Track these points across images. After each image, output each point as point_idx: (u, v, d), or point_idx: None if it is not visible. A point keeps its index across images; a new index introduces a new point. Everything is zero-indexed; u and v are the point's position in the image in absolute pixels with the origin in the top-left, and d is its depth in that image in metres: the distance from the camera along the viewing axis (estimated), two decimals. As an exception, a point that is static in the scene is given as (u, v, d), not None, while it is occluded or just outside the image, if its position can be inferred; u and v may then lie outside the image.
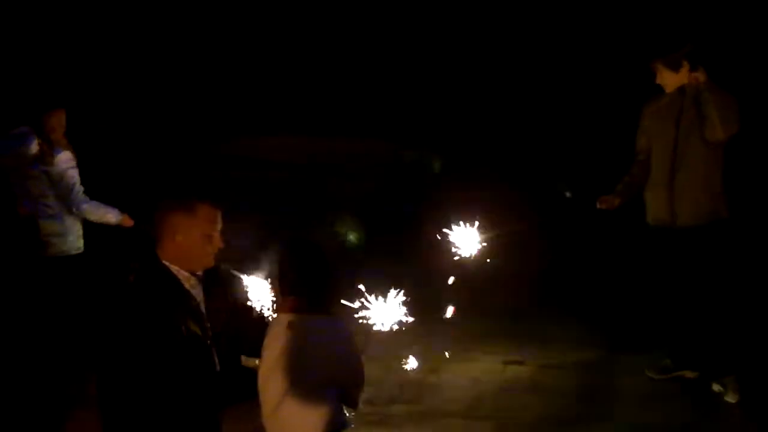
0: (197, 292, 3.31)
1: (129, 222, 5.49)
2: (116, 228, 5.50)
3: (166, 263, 3.25)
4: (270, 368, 3.18)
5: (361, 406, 3.52)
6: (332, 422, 3.20)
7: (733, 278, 5.23)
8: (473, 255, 4.08)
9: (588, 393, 5.23)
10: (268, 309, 4.33)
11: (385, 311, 3.78)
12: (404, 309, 3.79)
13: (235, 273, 4.13)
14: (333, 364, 3.19)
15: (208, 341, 3.27)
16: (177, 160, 10.39)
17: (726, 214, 5.07)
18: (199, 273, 3.32)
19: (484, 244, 4.04)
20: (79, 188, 5.36)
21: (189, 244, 3.25)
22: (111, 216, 5.44)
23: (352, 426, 3.45)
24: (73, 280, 5.31)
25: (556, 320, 6.52)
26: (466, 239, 4.06)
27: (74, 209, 5.33)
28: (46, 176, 5.24)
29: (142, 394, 3.10)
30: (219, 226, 3.36)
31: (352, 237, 8.37)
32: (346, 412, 3.33)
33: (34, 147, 5.17)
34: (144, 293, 3.17)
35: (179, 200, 3.30)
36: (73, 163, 5.35)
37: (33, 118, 5.24)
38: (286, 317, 3.24)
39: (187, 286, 3.27)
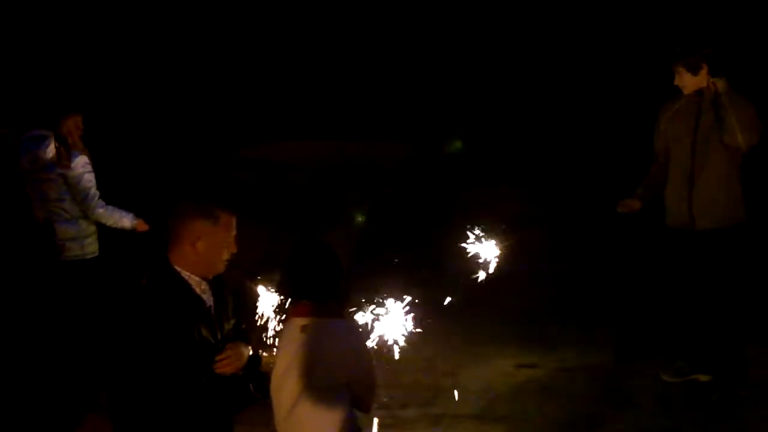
0: (208, 297, 3.34)
1: (144, 227, 5.49)
2: (131, 232, 5.51)
3: (177, 268, 3.28)
4: (283, 372, 3.21)
5: (374, 409, 3.55)
6: (345, 427, 3.22)
7: (749, 282, 5.20)
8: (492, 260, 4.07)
9: (601, 396, 5.21)
10: (272, 321, 4.38)
11: (391, 321, 3.82)
12: (409, 319, 3.80)
13: (246, 282, 4.18)
14: (346, 368, 3.20)
15: (219, 345, 3.30)
16: (195, 164, 10.43)
17: (744, 218, 5.05)
18: (209, 278, 3.35)
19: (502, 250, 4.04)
20: (95, 193, 5.35)
21: (209, 250, 3.27)
22: (126, 221, 5.44)
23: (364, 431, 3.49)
24: (88, 285, 5.31)
25: (570, 324, 6.52)
26: (485, 247, 4.07)
27: (90, 214, 5.33)
28: (63, 180, 5.24)
29: (154, 397, 3.12)
30: (234, 232, 3.39)
31: (367, 239, 8.40)
32: (358, 415, 3.36)
33: (51, 150, 5.19)
34: (155, 298, 3.19)
35: (201, 206, 3.31)
36: (90, 167, 5.35)
37: (50, 122, 5.26)
38: (299, 321, 3.26)
39: (198, 291, 3.30)
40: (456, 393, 5.24)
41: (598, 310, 6.70)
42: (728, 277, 5.02)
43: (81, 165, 5.29)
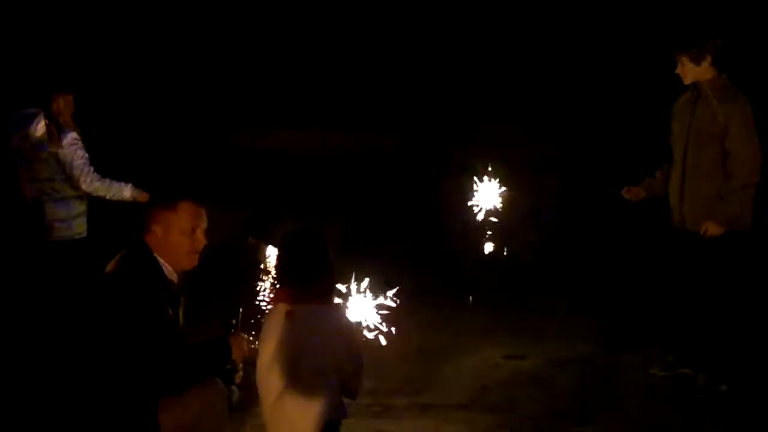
0: (175, 282, 3.51)
1: (145, 197, 5.21)
2: (116, 214, 5.44)
3: (155, 254, 3.43)
4: (270, 359, 3.18)
5: (361, 397, 3.53)
6: (333, 412, 3.20)
7: (743, 283, 5.19)
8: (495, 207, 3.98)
9: (589, 388, 5.21)
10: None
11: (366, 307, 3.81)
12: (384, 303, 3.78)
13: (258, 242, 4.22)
14: (333, 354, 3.19)
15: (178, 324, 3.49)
16: (178, 151, 10.38)
17: (748, 226, 4.97)
18: (177, 270, 3.49)
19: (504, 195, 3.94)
20: (90, 167, 5.29)
21: (167, 237, 3.42)
22: (126, 191, 5.34)
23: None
24: (74, 265, 5.27)
25: (559, 315, 6.52)
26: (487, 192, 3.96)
27: (87, 188, 5.25)
28: (54, 159, 5.19)
29: (128, 364, 3.24)
30: (203, 224, 3.50)
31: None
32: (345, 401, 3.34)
33: (42, 128, 5.14)
34: (130, 275, 3.35)
35: (162, 195, 3.52)
36: (81, 143, 5.29)
37: (40, 100, 5.22)
38: (284, 307, 3.24)
39: (166, 272, 3.45)
40: (444, 383, 5.27)
41: (589, 302, 6.70)
42: (721, 278, 4.99)
43: (71, 142, 5.22)
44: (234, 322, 3.54)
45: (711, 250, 4.94)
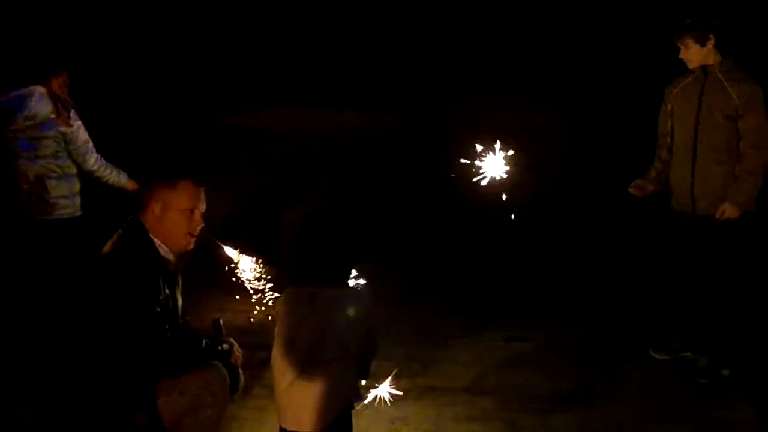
0: (172, 262, 3.53)
1: (134, 186, 5.40)
2: (104, 192, 5.56)
3: (151, 235, 3.44)
4: (288, 342, 3.14)
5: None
6: (348, 396, 3.17)
7: (748, 270, 5.16)
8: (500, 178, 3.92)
9: (590, 372, 5.20)
10: (252, 281, 4.34)
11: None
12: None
13: (219, 243, 4.22)
14: (349, 336, 3.15)
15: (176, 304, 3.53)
16: (177, 129, 10.32)
17: (753, 208, 4.94)
18: (174, 251, 3.50)
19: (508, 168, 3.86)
20: (93, 147, 5.37)
21: (166, 216, 3.43)
22: (123, 177, 5.51)
23: (365, 401, 3.45)
24: (75, 243, 5.29)
25: (561, 299, 6.50)
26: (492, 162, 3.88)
27: (91, 168, 5.35)
28: (62, 137, 5.21)
29: (122, 347, 3.26)
30: (201, 205, 3.52)
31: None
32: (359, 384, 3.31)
33: (49, 106, 5.14)
34: (125, 255, 3.35)
35: (163, 173, 3.50)
36: (80, 121, 5.33)
37: (39, 79, 5.21)
38: (301, 290, 3.20)
39: (162, 252, 3.46)
40: (445, 365, 5.26)
41: (591, 287, 6.68)
42: (728, 264, 4.96)
43: (76, 120, 5.27)
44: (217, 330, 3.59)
45: (724, 233, 4.91)
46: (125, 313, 3.27)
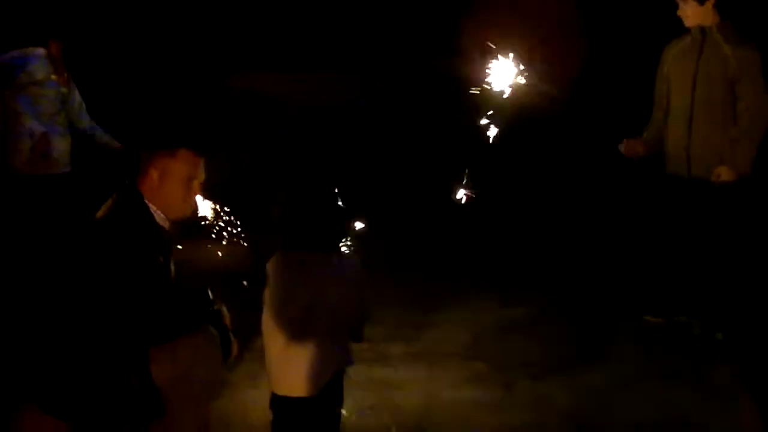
0: (167, 229, 3.45)
1: (119, 146, 5.66)
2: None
3: (146, 201, 3.37)
4: (279, 308, 3.12)
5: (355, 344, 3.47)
6: (340, 360, 3.15)
7: (746, 235, 5.13)
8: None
9: (585, 337, 5.19)
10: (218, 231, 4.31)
11: None
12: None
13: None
14: (344, 302, 3.12)
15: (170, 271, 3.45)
16: (178, 94, 10.22)
17: (748, 172, 4.89)
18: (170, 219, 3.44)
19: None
20: (85, 107, 5.61)
21: (165, 183, 3.37)
22: (109, 138, 5.68)
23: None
24: (72, 198, 5.43)
25: (555, 262, 6.48)
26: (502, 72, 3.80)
27: (85, 127, 5.58)
28: (61, 96, 5.40)
29: (113, 312, 3.19)
30: (200, 175, 3.46)
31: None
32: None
33: (49, 65, 5.33)
34: (119, 224, 3.29)
35: (164, 140, 3.43)
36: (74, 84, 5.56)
37: (37, 42, 5.36)
38: (292, 256, 3.17)
39: (158, 219, 3.39)
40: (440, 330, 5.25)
41: (586, 250, 6.66)
42: (724, 228, 4.93)
43: (71, 81, 5.52)
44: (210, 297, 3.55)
45: (720, 196, 4.87)
46: (119, 280, 3.22)
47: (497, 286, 6.02)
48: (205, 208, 4.33)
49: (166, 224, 3.46)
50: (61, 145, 5.45)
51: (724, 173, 4.80)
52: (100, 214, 3.40)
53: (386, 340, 5.01)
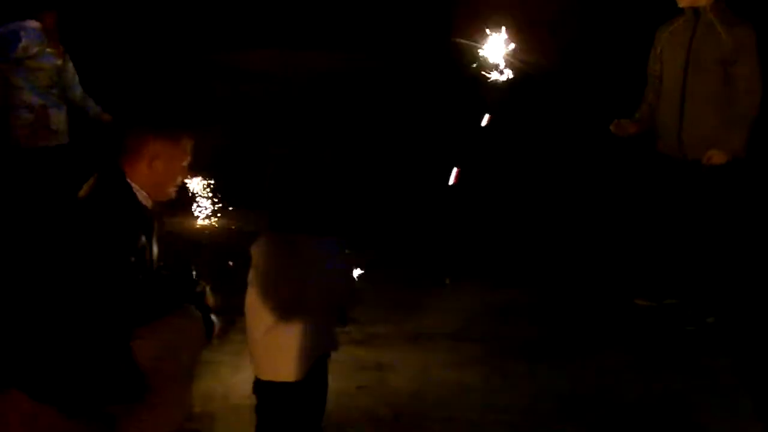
0: (150, 210, 3.41)
1: (109, 118, 5.83)
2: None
3: (129, 180, 3.31)
4: (264, 289, 3.03)
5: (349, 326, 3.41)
6: (326, 344, 3.07)
7: (737, 213, 5.05)
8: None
9: (578, 319, 5.13)
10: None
11: None
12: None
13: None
14: (331, 285, 3.03)
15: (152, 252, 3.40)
16: (166, 75, 10.11)
17: (743, 154, 4.80)
18: (156, 200, 3.40)
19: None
20: (78, 80, 5.75)
21: (165, 171, 3.34)
22: (100, 110, 5.82)
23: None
24: (68, 169, 5.44)
25: (550, 247, 6.40)
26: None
27: (79, 99, 5.71)
28: (56, 70, 5.50)
29: (92, 293, 3.15)
30: (189, 158, 3.44)
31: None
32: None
33: (45, 39, 5.42)
34: (102, 203, 3.23)
35: (165, 126, 3.37)
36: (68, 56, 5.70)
37: (32, 15, 5.43)
38: (279, 237, 3.07)
39: (140, 198, 3.34)
40: (432, 311, 5.18)
41: (579, 234, 6.58)
42: (716, 211, 4.85)
43: (65, 53, 5.65)
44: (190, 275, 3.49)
45: (712, 179, 4.79)
46: (100, 260, 3.16)
47: (490, 270, 5.96)
48: (193, 186, 4.28)
49: (148, 203, 3.41)
50: (58, 118, 5.55)
51: (715, 156, 4.72)
52: (82, 193, 3.35)
53: (377, 321, 4.93)
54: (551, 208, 7.17)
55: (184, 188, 3.72)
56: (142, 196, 3.36)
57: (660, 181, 5.07)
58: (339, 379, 3.82)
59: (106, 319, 3.20)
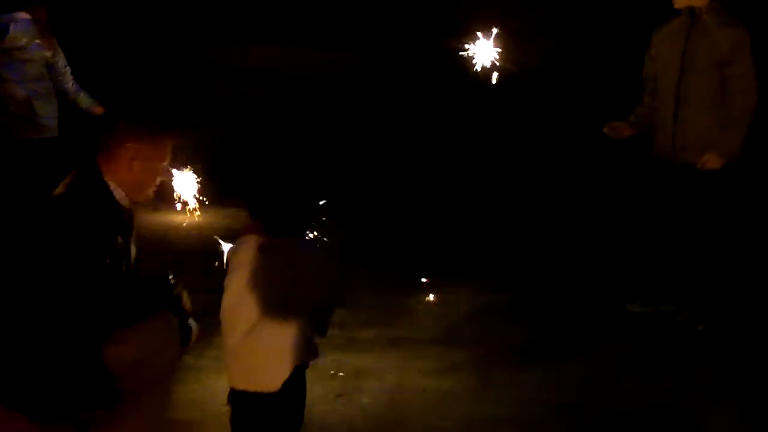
0: (126, 209, 3.31)
1: (102, 111, 5.73)
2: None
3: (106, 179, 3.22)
4: (239, 294, 2.93)
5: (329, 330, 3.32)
6: (306, 352, 2.97)
7: (733, 224, 4.99)
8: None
9: (566, 326, 5.05)
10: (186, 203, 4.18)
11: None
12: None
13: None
14: (307, 291, 2.94)
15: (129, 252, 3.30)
16: (150, 73, 10.01)
17: (738, 158, 4.73)
18: (133, 200, 3.31)
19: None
20: (70, 71, 5.72)
21: (143, 172, 3.25)
22: (93, 102, 5.76)
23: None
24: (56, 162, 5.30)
25: (539, 250, 6.31)
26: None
27: (70, 90, 5.67)
28: (44, 60, 5.48)
29: (65, 291, 3.06)
30: (169, 159, 3.36)
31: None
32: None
33: (34, 31, 5.42)
34: (79, 202, 3.15)
35: (144, 125, 3.27)
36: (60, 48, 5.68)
37: (23, 7, 5.45)
38: (257, 239, 2.98)
39: (118, 197, 3.24)
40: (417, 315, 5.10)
41: (569, 236, 6.51)
42: (710, 216, 4.78)
43: (57, 45, 5.62)
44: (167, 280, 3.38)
45: (707, 183, 4.71)
46: (74, 261, 3.08)
47: (478, 272, 5.86)
48: (176, 185, 4.19)
49: (126, 203, 3.32)
50: (45, 110, 5.51)
51: (710, 161, 4.66)
52: (58, 190, 3.26)
53: (360, 325, 4.83)
54: (544, 211, 7.08)
55: (171, 187, 3.62)
56: (119, 195, 3.27)
57: (654, 185, 5.00)
58: (317, 386, 3.75)
59: (78, 322, 3.11)
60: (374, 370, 4.34)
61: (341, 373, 4.25)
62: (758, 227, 6.23)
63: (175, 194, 4.26)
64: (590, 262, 6.02)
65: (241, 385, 2.93)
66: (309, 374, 3.03)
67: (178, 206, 4.59)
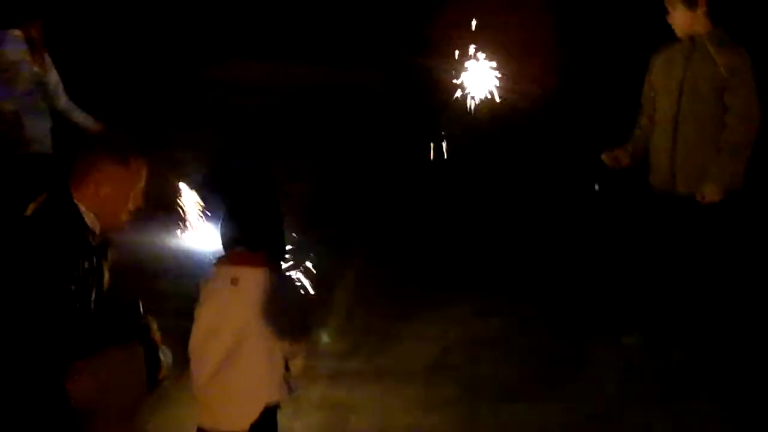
0: (96, 236, 3.18)
1: (100, 127, 5.60)
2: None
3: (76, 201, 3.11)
4: (208, 330, 2.79)
5: (310, 358, 3.15)
6: (272, 393, 2.81)
7: (732, 257, 4.81)
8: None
9: (558, 355, 4.89)
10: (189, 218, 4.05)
11: None
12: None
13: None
14: (276, 327, 2.78)
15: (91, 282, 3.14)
16: (150, 83, 9.92)
17: (739, 186, 4.59)
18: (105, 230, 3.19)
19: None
20: (63, 88, 5.63)
21: (113, 197, 3.14)
22: (89, 120, 5.64)
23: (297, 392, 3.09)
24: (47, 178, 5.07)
25: (532, 275, 6.12)
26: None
27: (62, 106, 5.58)
28: (36, 77, 5.41)
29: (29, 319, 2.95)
30: (143, 183, 3.23)
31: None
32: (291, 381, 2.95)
33: (24, 47, 5.35)
34: (46, 224, 3.06)
35: (113, 149, 3.18)
36: (53, 65, 5.61)
37: (16, 24, 5.39)
38: (230, 271, 2.83)
39: (88, 222, 3.13)
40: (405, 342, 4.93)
41: (563, 262, 6.33)
42: (708, 249, 4.62)
43: (49, 62, 5.54)
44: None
45: (707, 216, 4.56)
46: (36, 287, 2.98)
47: (470, 295, 5.70)
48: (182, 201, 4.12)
49: (96, 228, 3.20)
50: (35, 126, 5.42)
51: (708, 193, 4.50)
52: (27, 212, 3.17)
53: (345, 354, 4.70)
54: (540, 238, 6.91)
55: (150, 211, 3.46)
56: (89, 220, 3.16)
57: (651, 215, 4.85)
58: (296, 423, 3.59)
59: (37, 351, 2.98)
60: (359, 404, 4.20)
61: (325, 406, 4.11)
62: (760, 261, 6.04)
63: (181, 211, 4.15)
64: (585, 291, 5.85)
65: (207, 424, 2.79)
66: (289, 408, 2.88)
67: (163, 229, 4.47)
